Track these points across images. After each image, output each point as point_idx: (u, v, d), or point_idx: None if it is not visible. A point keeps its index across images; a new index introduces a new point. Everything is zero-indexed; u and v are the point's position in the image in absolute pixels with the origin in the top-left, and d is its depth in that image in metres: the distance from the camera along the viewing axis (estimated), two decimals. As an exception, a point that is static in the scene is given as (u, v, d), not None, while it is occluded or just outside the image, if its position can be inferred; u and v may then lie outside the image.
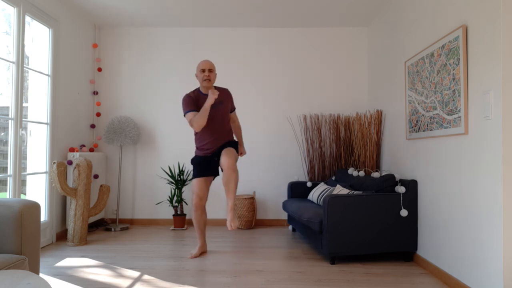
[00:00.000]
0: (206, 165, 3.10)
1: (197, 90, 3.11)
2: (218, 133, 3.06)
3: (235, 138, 3.37)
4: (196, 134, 3.13)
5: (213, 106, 3.00)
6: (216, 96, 2.85)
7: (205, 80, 2.98)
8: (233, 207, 2.85)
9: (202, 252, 3.26)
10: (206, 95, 3.04)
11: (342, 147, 4.29)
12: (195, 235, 4.01)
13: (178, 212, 4.34)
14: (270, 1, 3.80)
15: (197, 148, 3.17)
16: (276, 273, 2.74)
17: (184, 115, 2.99)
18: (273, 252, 3.33)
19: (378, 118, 3.85)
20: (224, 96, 3.10)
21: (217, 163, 3.11)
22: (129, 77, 4.63)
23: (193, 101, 2.99)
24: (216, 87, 3.12)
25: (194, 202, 3.11)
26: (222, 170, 2.92)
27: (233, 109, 3.25)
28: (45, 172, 3.60)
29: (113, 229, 4.18)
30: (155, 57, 4.63)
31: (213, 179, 3.21)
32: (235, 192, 2.85)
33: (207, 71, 3.00)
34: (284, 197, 4.56)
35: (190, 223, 4.57)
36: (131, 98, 4.62)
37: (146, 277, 2.65)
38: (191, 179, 4.27)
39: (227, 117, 3.14)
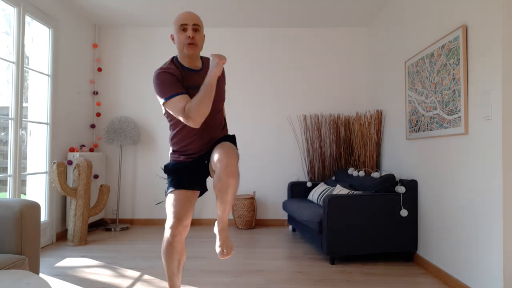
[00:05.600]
0: (189, 174, 1.92)
1: (175, 61, 1.86)
2: (208, 128, 1.89)
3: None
4: (173, 129, 1.93)
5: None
6: (225, 62, 1.73)
7: (189, 44, 1.77)
8: (226, 226, 1.84)
9: None
10: (191, 70, 1.85)
11: (342, 147, 4.29)
12: (195, 234, 3.98)
13: (178, 212, 4.33)
14: (269, 1, 3.80)
15: (174, 151, 1.96)
16: (276, 273, 2.74)
17: (165, 102, 1.73)
18: (273, 252, 3.33)
19: (378, 118, 3.85)
20: (220, 74, 1.86)
21: (206, 170, 1.95)
22: (129, 77, 4.63)
23: (176, 80, 1.76)
24: (202, 58, 1.95)
25: (172, 230, 1.80)
26: (212, 173, 1.90)
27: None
28: (45, 172, 3.60)
29: (113, 229, 4.18)
30: (155, 57, 4.62)
31: (199, 196, 1.99)
32: (231, 205, 1.81)
33: (190, 30, 1.77)
34: (284, 197, 4.56)
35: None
36: (131, 98, 4.61)
37: (146, 277, 2.65)
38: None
39: (222, 104, 1.99)
